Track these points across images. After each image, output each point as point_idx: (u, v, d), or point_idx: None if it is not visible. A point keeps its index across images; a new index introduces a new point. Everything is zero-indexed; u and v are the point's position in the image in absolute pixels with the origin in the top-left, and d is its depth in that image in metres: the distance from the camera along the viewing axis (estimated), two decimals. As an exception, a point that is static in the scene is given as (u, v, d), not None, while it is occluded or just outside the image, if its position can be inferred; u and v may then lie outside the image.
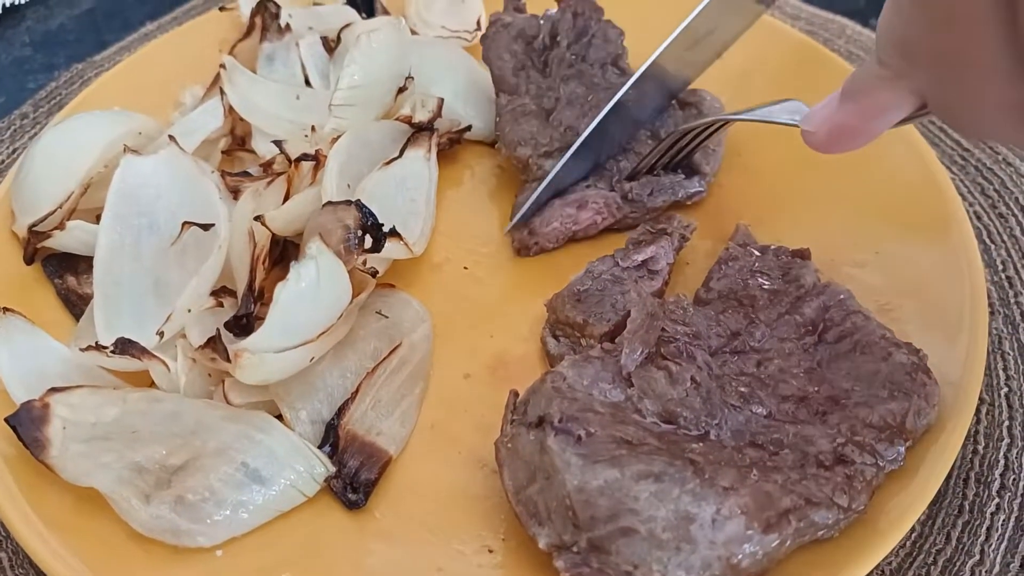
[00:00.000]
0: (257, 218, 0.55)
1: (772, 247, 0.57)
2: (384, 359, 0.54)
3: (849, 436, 0.45)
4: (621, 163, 0.65)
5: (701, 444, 0.45)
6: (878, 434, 0.46)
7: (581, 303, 0.55)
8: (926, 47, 0.39)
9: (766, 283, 0.54)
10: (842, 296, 0.53)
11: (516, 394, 0.48)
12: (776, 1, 0.72)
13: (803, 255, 0.56)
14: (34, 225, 0.59)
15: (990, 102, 0.37)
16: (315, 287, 0.48)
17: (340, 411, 0.52)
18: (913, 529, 0.51)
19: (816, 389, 0.48)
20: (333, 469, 0.50)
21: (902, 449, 0.46)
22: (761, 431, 0.46)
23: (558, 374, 0.47)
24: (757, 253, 0.57)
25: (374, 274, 0.55)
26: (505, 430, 0.47)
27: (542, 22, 0.71)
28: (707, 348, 0.50)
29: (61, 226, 0.59)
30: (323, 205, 0.55)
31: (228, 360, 0.48)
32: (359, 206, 0.53)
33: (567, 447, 0.43)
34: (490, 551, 0.48)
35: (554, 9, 0.70)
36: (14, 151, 0.76)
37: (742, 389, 0.48)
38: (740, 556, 0.41)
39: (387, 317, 0.57)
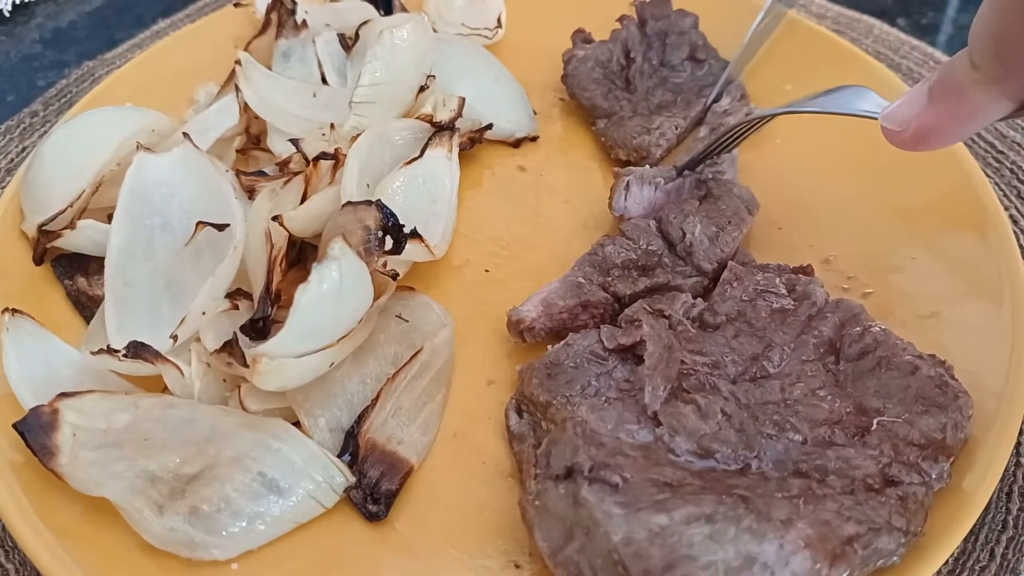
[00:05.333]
0: (275, 218, 0.53)
1: (772, 265, 0.55)
2: (405, 364, 0.52)
3: (893, 456, 0.43)
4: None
5: (744, 478, 0.42)
6: (921, 452, 0.44)
7: (551, 379, 0.49)
8: None
9: (775, 303, 0.52)
10: (857, 311, 0.51)
11: (537, 447, 0.46)
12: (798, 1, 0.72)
13: (806, 271, 0.54)
14: (44, 224, 0.57)
15: None
16: (337, 290, 0.46)
17: (360, 418, 0.50)
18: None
19: (848, 410, 0.46)
20: (353, 479, 0.48)
21: (947, 466, 0.44)
22: (802, 459, 0.44)
23: (579, 420, 0.44)
24: (758, 271, 0.54)
25: (394, 276, 0.53)
26: (530, 487, 0.43)
27: (611, 46, 0.72)
28: (727, 377, 0.48)
29: (72, 225, 0.57)
30: (343, 205, 0.53)
31: (245, 365, 0.46)
32: (380, 206, 0.52)
33: (605, 496, 0.40)
34: (517, 566, 0.46)
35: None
36: (23, 149, 0.75)
37: (775, 417, 0.46)
38: None
39: (407, 321, 0.55)
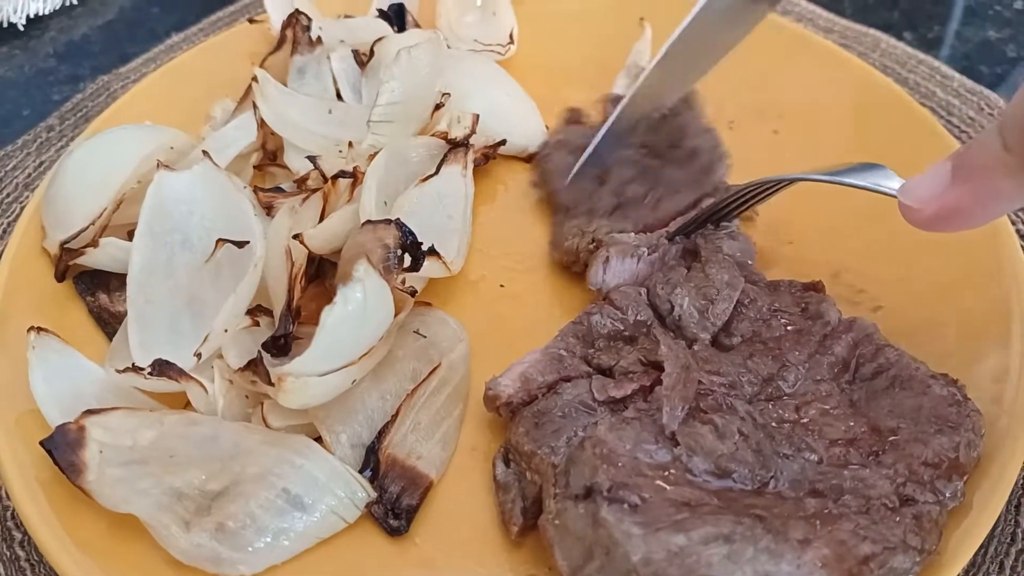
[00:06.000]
0: (295, 236, 0.54)
1: (783, 282, 0.55)
2: (423, 380, 0.53)
3: (908, 475, 0.44)
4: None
5: (761, 498, 0.43)
6: (935, 471, 0.44)
7: (537, 428, 0.48)
8: None
9: (788, 322, 0.52)
10: (870, 331, 0.51)
11: (554, 466, 0.46)
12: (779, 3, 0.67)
13: (816, 288, 0.54)
14: (66, 242, 0.58)
15: None
16: (362, 309, 0.47)
17: (380, 434, 0.51)
18: (967, 558, 0.50)
19: (863, 430, 0.47)
20: (374, 494, 0.49)
21: (960, 484, 0.45)
22: (818, 478, 0.44)
23: (598, 440, 0.44)
24: (769, 290, 0.54)
25: (413, 293, 0.54)
26: (549, 506, 0.44)
27: (590, 131, 0.65)
28: (743, 397, 0.48)
29: (94, 243, 0.58)
30: (362, 224, 0.54)
31: (270, 383, 0.47)
32: (399, 225, 0.52)
33: (623, 516, 0.40)
34: (536, 580, 0.47)
35: None
36: (40, 164, 0.75)
37: (791, 437, 0.46)
38: None
39: (425, 337, 0.56)
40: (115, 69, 0.84)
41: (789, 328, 0.52)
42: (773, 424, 0.47)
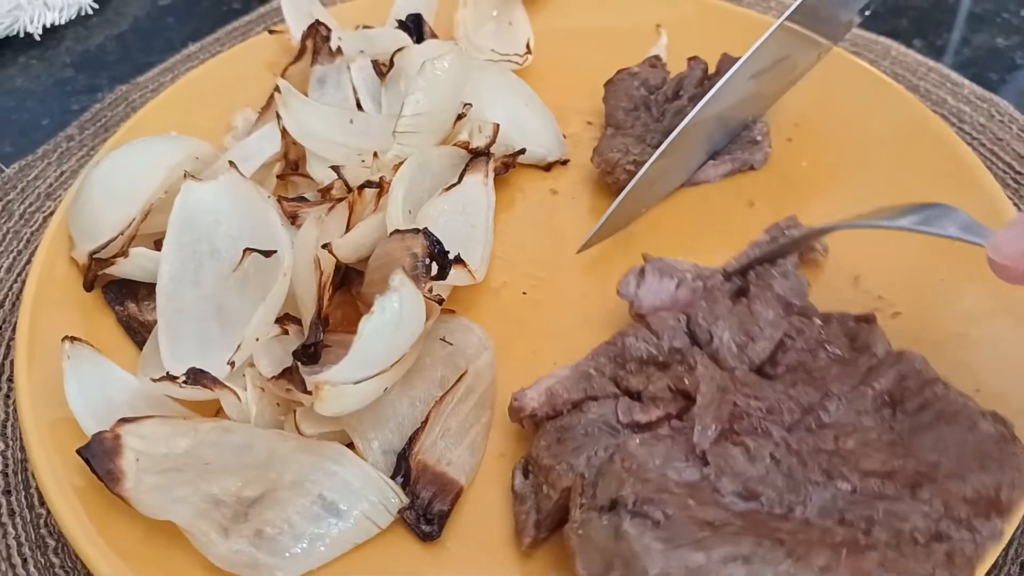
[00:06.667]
0: (324, 246, 0.55)
1: (835, 315, 0.54)
2: (451, 388, 0.54)
3: (943, 511, 0.43)
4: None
5: (787, 523, 0.43)
6: (973, 508, 0.43)
7: (559, 444, 0.48)
8: None
9: (834, 354, 0.52)
10: (917, 365, 0.50)
11: (583, 477, 0.46)
12: (844, 37, 0.71)
13: (868, 319, 0.54)
14: (95, 252, 0.59)
15: None
16: (398, 318, 0.47)
17: (411, 441, 0.51)
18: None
19: (901, 463, 0.46)
20: (407, 500, 0.49)
21: (999, 523, 0.43)
22: (849, 508, 0.44)
23: (627, 453, 0.44)
24: (820, 322, 0.54)
25: (440, 301, 0.55)
26: (575, 515, 0.45)
27: (667, 75, 0.73)
28: (781, 424, 0.48)
29: (123, 253, 0.58)
30: (390, 234, 0.54)
31: (305, 391, 0.48)
32: (427, 234, 0.53)
33: (645, 531, 0.41)
34: (567, 584, 0.48)
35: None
36: (62, 174, 0.76)
37: (825, 465, 0.46)
38: None
39: (451, 344, 0.57)
40: (133, 79, 0.85)
41: (834, 359, 0.52)
42: (809, 452, 0.46)
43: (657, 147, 0.64)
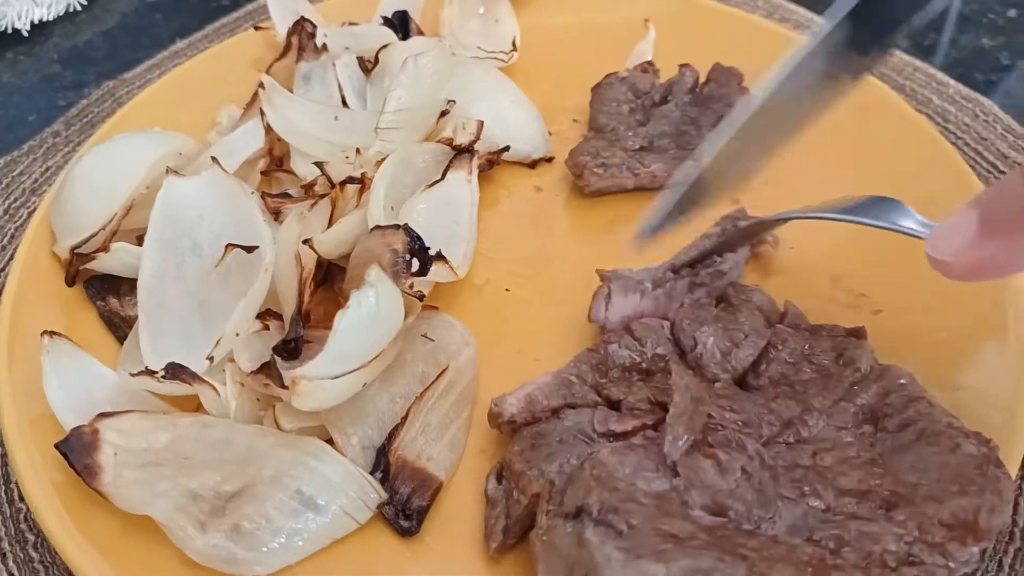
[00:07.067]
0: (305, 242, 0.55)
1: (824, 327, 0.54)
2: (432, 384, 0.54)
3: (917, 535, 0.42)
4: None
5: (754, 539, 0.42)
6: (948, 532, 0.42)
7: (533, 450, 0.48)
8: None
9: (819, 367, 0.51)
10: (903, 380, 0.49)
11: (552, 483, 0.46)
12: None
13: (858, 334, 0.53)
14: (77, 247, 0.59)
15: None
16: (374, 313, 0.47)
17: (390, 436, 0.51)
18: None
19: (878, 482, 0.45)
20: (385, 496, 0.49)
21: (975, 549, 0.42)
22: (820, 527, 0.43)
23: (598, 461, 0.44)
24: (808, 332, 0.53)
25: (421, 297, 0.55)
26: (541, 522, 0.44)
27: (656, 81, 0.73)
28: (758, 437, 0.47)
29: (105, 248, 0.58)
30: (371, 229, 0.54)
31: (283, 386, 0.48)
32: (407, 230, 0.53)
33: (608, 540, 0.40)
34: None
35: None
36: (47, 169, 0.76)
37: (797, 481, 0.45)
38: None
39: (433, 340, 0.57)
40: (120, 75, 0.85)
41: (818, 373, 0.51)
42: (784, 467, 0.46)
43: (637, 151, 0.65)
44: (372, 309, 0.47)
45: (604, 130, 0.70)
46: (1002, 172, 0.71)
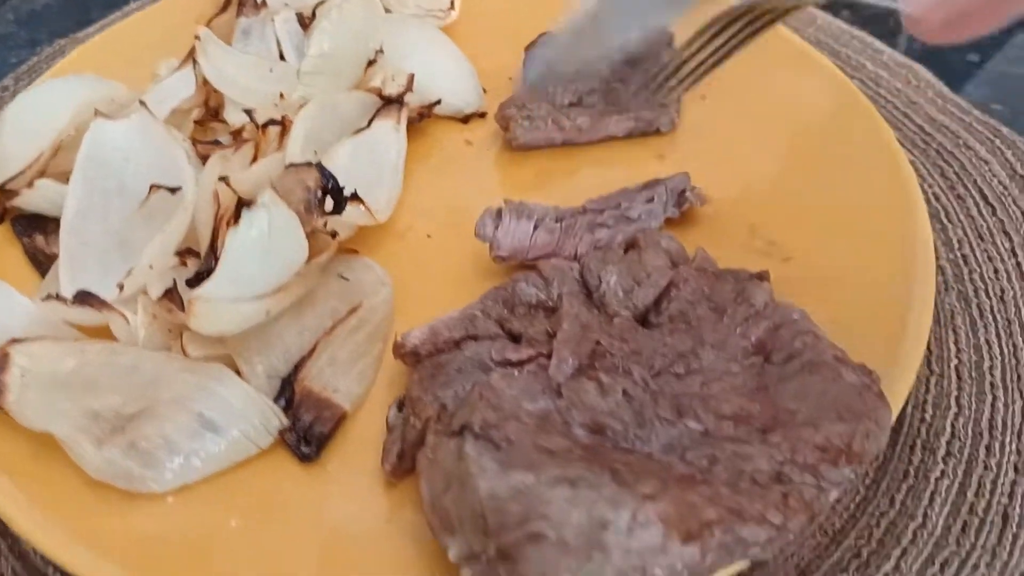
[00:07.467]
0: (223, 179, 0.56)
1: (731, 271, 0.55)
2: (343, 319, 0.55)
3: (789, 456, 0.43)
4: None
5: (628, 456, 0.43)
6: (822, 455, 0.43)
7: (431, 379, 0.49)
8: None
9: (716, 305, 0.52)
10: (795, 316, 0.50)
11: (444, 408, 0.47)
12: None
13: (761, 277, 0.54)
14: (3, 185, 0.60)
15: None
16: (266, 237, 0.49)
17: (297, 367, 0.52)
18: (857, 491, 0.52)
19: (759, 408, 0.46)
20: (287, 422, 0.51)
21: (847, 471, 0.43)
22: (694, 447, 0.44)
23: (487, 385, 0.45)
24: (713, 274, 0.54)
25: (333, 235, 0.56)
26: (428, 440, 0.45)
27: None
28: (649, 368, 0.48)
29: (30, 184, 0.59)
30: (285, 167, 0.56)
31: (183, 310, 0.49)
32: (320, 168, 0.54)
33: (484, 453, 0.41)
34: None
35: None
36: (-8, 122, 0.77)
37: (679, 405, 0.46)
38: (657, 569, 0.38)
39: (348, 280, 0.58)
40: (73, 33, 0.86)
41: (715, 311, 0.52)
42: (670, 395, 0.46)
43: (565, 107, 0.66)
44: (263, 232, 0.48)
45: (533, 85, 0.70)
46: (928, 135, 0.72)
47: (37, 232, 0.61)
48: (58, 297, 0.52)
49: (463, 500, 0.41)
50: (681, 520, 0.39)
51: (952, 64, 0.81)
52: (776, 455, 0.43)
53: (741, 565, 0.42)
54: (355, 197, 0.57)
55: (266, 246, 0.49)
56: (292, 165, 0.55)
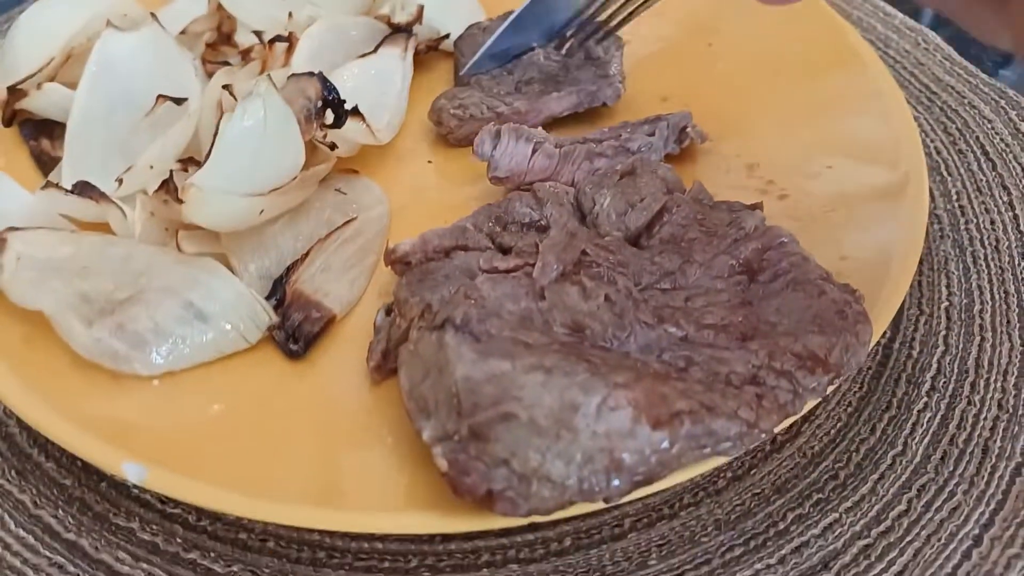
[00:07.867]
0: (226, 87, 0.57)
1: (725, 202, 0.55)
2: (338, 228, 0.55)
3: (767, 361, 0.43)
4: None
5: (605, 353, 0.43)
6: (799, 362, 0.43)
7: (419, 283, 0.50)
8: None
9: (708, 229, 0.52)
10: (784, 239, 0.51)
11: (429, 307, 0.48)
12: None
13: (755, 207, 0.54)
14: (14, 85, 0.61)
15: None
16: (261, 128, 0.49)
17: (289, 270, 0.53)
18: (839, 418, 0.52)
19: (740, 319, 0.46)
20: (277, 319, 0.51)
21: (824, 380, 0.43)
22: (672, 348, 0.44)
23: (472, 286, 0.46)
24: (708, 208, 0.55)
25: (332, 147, 0.56)
26: (411, 335, 0.46)
27: None
28: (636, 282, 0.48)
29: (39, 87, 0.60)
30: (288, 77, 0.56)
31: (178, 201, 0.50)
32: (321, 78, 0.55)
33: (463, 342, 0.42)
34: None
35: None
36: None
37: (660, 314, 0.46)
38: (625, 452, 0.39)
39: (345, 194, 0.58)
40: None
41: (706, 233, 0.52)
42: (653, 306, 0.47)
43: (504, 97, 0.64)
44: (259, 122, 0.49)
45: (467, 80, 0.67)
46: (934, 93, 0.72)
47: (43, 136, 0.62)
48: (57, 186, 0.53)
49: (440, 385, 0.42)
50: (651, 406, 0.40)
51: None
52: (753, 360, 0.44)
53: (711, 463, 0.43)
54: (356, 112, 0.58)
55: (261, 139, 0.49)
56: (294, 75, 0.56)
